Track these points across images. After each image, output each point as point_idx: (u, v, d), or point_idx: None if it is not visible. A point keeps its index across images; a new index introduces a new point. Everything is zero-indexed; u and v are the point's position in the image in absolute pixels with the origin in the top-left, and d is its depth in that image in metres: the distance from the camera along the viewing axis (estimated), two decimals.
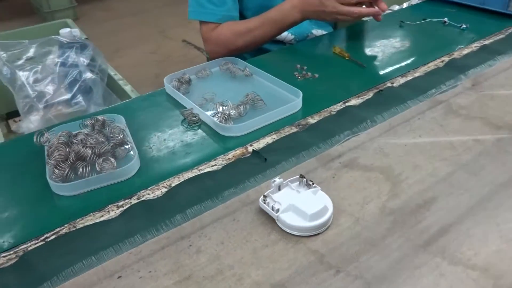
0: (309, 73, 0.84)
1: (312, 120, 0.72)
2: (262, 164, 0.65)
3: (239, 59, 0.89)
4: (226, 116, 0.70)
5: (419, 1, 1.27)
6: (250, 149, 0.66)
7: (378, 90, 0.81)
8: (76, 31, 1.39)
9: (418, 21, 1.07)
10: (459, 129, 0.73)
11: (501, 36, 1.00)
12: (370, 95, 0.80)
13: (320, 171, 0.65)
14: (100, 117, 0.68)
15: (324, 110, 0.75)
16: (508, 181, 0.61)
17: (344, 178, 0.64)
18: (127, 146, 0.65)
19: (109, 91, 1.11)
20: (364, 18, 1.06)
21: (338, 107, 0.77)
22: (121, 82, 1.18)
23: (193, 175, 0.61)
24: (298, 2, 0.93)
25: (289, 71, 0.87)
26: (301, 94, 0.75)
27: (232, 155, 0.65)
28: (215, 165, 0.63)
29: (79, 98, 1.02)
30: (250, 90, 0.79)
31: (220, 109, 0.71)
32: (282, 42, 1.10)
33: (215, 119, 0.69)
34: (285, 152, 0.68)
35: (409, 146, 0.70)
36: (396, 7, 1.78)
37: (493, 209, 0.57)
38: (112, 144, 0.62)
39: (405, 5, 1.33)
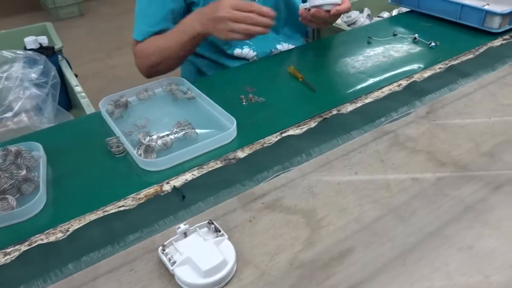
0: (256, 97, 0.79)
1: (241, 154, 0.68)
2: (178, 204, 0.62)
3: (184, 80, 0.85)
4: (149, 148, 0.67)
5: (397, 13, 1.21)
6: (166, 187, 0.62)
7: (323, 118, 0.76)
8: (43, 39, 1.36)
9: (387, 37, 1.01)
10: (400, 165, 0.68)
11: (470, 56, 0.93)
12: (313, 123, 0.75)
13: (239, 213, 0.61)
14: (13, 148, 0.65)
15: (258, 141, 0.70)
16: (436, 229, 0.56)
17: (262, 222, 0.59)
18: (32, 182, 0.62)
19: (61, 109, 1.08)
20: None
21: (274, 138, 0.72)
22: (79, 96, 1.15)
23: (96, 217, 0.58)
24: (196, 11, 0.89)
25: (236, 94, 0.82)
26: (234, 122, 0.71)
27: (144, 194, 0.61)
28: (123, 206, 0.59)
29: (22, 116, 1.00)
30: (190, 114, 0.75)
31: (144, 140, 0.68)
32: (245, 59, 1.06)
33: (135, 151, 0.66)
34: (206, 190, 0.64)
35: (342, 185, 0.65)
36: (386, 14, 1.72)
37: (411, 263, 0.52)
38: (12, 181, 0.59)
39: (386, 14, 1.28)
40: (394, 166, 0.68)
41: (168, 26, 0.98)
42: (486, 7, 1.10)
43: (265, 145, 0.69)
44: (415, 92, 0.84)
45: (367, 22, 1.57)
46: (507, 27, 0.98)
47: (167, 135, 0.69)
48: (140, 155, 0.65)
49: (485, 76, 0.90)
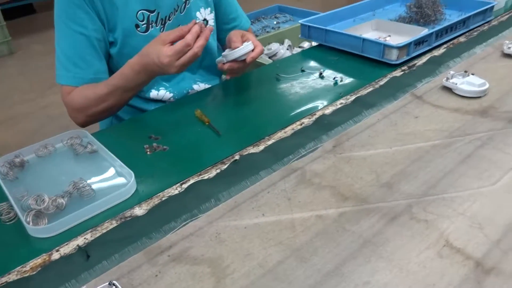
0: (160, 146, 0.79)
1: (139, 211, 0.65)
2: (82, 265, 0.59)
3: (86, 132, 0.82)
4: (40, 213, 0.63)
5: (308, 47, 1.26)
6: (55, 255, 0.58)
7: (233, 159, 0.77)
8: None
9: (295, 73, 1.05)
10: (305, 203, 0.70)
11: (371, 89, 0.97)
12: (223, 166, 0.76)
13: (144, 269, 0.60)
14: None
15: (157, 195, 0.68)
16: (334, 268, 0.58)
17: (168, 276, 0.59)
18: None
19: None
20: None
21: (179, 187, 0.70)
22: None
23: None
24: (138, 65, 0.88)
25: (141, 144, 0.81)
26: (133, 176, 0.69)
27: (30, 266, 0.57)
28: (6, 281, 0.56)
29: None
30: (90, 170, 0.73)
31: (35, 204, 0.64)
32: (161, 101, 1.06)
33: (24, 218, 0.62)
34: (111, 246, 0.62)
35: (249, 229, 0.66)
36: (306, 44, 1.79)
37: None
38: None
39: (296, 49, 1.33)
40: (300, 204, 0.70)
41: (101, 67, 0.96)
42: (385, 40, 1.19)
43: (172, 194, 0.68)
44: (323, 126, 0.88)
45: (288, 53, 1.63)
46: (405, 58, 1.06)
47: (62, 196, 0.66)
48: (28, 222, 0.61)
49: (387, 106, 0.96)
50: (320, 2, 4.72)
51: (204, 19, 1.08)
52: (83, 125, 0.98)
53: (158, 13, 0.97)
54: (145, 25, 0.96)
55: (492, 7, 1.30)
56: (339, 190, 0.73)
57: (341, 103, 0.92)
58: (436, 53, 1.13)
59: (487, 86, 0.98)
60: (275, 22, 1.97)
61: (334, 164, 0.79)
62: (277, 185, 0.74)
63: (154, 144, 0.79)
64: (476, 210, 0.66)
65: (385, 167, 0.78)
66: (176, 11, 1.01)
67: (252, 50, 0.92)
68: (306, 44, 1.71)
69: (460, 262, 0.57)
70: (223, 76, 1.05)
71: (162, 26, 0.99)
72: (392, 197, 0.70)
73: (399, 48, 1.02)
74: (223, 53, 0.94)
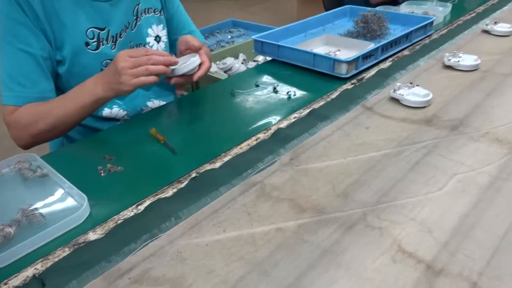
0: (114, 167, 0.77)
1: (93, 236, 0.62)
2: None
3: (35, 156, 0.78)
4: None
5: (263, 61, 1.29)
6: None
7: (191, 177, 0.77)
8: None
9: (250, 88, 1.07)
10: (265, 217, 0.71)
11: (324, 102, 1.00)
12: (180, 185, 0.75)
13: None
14: None
15: (114, 217, 0.66)
16: (295, 280, 0.59)
17: None
18: None
19: None
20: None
21: (134, 209, 0.69)
22: None
23: None
24: (95, 76, 0.88)
25: (94, 165, 0.79)
26: (85, 201, 0.67)
27: None
28: None
29: None
30: (40, 195, 0.69)
31: None
32: (115, 119, 1.04)
33: None
34: (68, 272, 0.60)
35: (210, 246, 0.66)
36: (261, 58, 1.82)
37: None
38: None
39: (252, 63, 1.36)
40: (260, 218, 0.71)
41: (48, 85, 0.93)
42: (335, 55, 1.24)
43: (119, 221, 0.66)
44: (279, 139, 0.90)
45: (243, 67, 1.65)
46: (354, 71, 1.10)
47: (9, 225, 0.63)
48: None
49: (340, 118, 1.00)
50: (272, 17, 4.83)
51: (157, 36, 1.08)
52: (28, 146, 0.94)
53: (109, 31, 0.96)
54: (95, 43, 0.94)
55: (432, 22, 1.39)
56: (298, 202, 0.74)
57: (295, 116, 0.94)
58: (383, 66, 1.19)
59: (430, 96, 1.04)
60: (229, 37, 2.00)
61: (292, 176, 0.81)
62: (237, 200, 0.75)
63: (108, 165, 0.77)
64: (425, 215, 0.70)
65: (341, 177, 0.81)
66: (127, 28, 1.00)
67: (200, 65, 0.93)
68: (260, 58, 1.75)
69: (412, 266, 0.61)
70: (178, 93, 1.05)
71: (113, 43, 0.97)
72: (348, 207, 0.73)
73: (348, 62, 1.07)
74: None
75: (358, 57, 1.10)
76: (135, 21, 1.01)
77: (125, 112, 1.04)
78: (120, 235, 0.64)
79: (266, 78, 1.14)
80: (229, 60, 1.64)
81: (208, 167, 0.79)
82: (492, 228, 0.67)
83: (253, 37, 1.26)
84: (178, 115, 1.03)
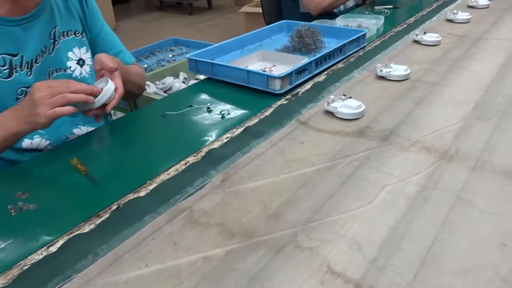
0: (27, 204, 0.71)
1: None
2: None
3: None
4: None
5: (203, 78, 1.26)
6: None
7: (112, 209, 0.72)
8: None
9: (183, 109, 1.04)
10: (192, 245, 0.67)
11: (258, 119, 0.99)
12: (97, 220, 0.70)
13: None
14: None
15: (20, 262, 0.60)
16: None
17: None
18: None
19: None
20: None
21: (45, 251, 0.63)
22: None
23: None
24: (9, 109, 0.82)
25: (4, 204, 0.71)
26: None
27: None
28: None
29: None
30: None
31: None
32: (38, 150, 0.97)
33: None
34: None
35: (130, 283, 0.61)
36: (202, 76, 1.79)
37: None
38: None
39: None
40: (186, 248, 0.67)
41: None
42: (270, 71, 1.23)
43: (25, 267, 0.59)
44: (211, 160, 0.87)
45: (184, 86, 1.62)
46: (288, 87, 1.10)
47: None
48: None
49: (275, 134, 0.99)
50: (221, 33, 4.84)
51: (80, 59, 1.02)
52: None
53: (22, 56, 0.90)
54: (7, 70, 0.88)
55: (365, 34, 1.42)
56: (227, 227, 0.71)
57: (228, 136, 0.92)
58: (318, 79, 1.20)
59: (363, 108, 1.05)
60: (170, 55, 1.96)
61: (223, 199, 0.78)
62: (162, 230, 0.71)
63: (20, 203, 0.71)
64: (356, 231, 0.69)
65: (273, 197, 0.78)
66: (44, 52, 0.94)
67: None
68: (202, 76, 1.72)
69: (340, 286, 0.59)
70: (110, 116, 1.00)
71: (29, 70, 0.91)
72: (278, 228, 0.71)
73: (281, 78, 1.06)
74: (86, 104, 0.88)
75: (291, 72, 1.10)
76: (52, 45, 0.96)
77: (48, 142, 0.97)
78: (27, 282, 0.58)
79: (200, 98, 1.11)
80: (169, 80, 1.60)
81: (131, 196, 0.74)
82: (419, 239, 0.66)
83: (187, 56, 1.23)
84: (104, 141, 0.97)
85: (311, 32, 1.36)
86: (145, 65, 1.88)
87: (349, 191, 0.79)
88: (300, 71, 1.14)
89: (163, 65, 1.85)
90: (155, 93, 1.57)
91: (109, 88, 0.85)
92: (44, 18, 0.94)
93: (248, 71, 1.10)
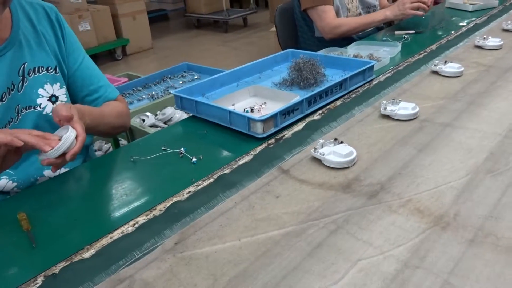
0: None
1: None
2: None
3: None
4: None
5: (187, 116, 1.19)
6: None
7: (49, 274, 0.66)
8: None
9: (156, 153, 0.96)
10: None
11: (231, 168, 0.89)
12: (36, 285, 0.64)
13: None
14: None
15: None
16: None
17: None
18: None
19: None
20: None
21: None
22: None
23: None
24: None
25: None
26: None
27: None
28: None
29: None
30: None
31: None
32: (3, 192, 0.93)
33: None
34: None
35: None
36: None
37: None
38: None
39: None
40: None
41: None
42: (261, 107, 1.14)
43: None
44: (170, 216, 0.78)
45: (185, 116, 1.56)
46: (273, 129, 1.00)
47: None
48: None
49: (249, 185, 0.89)
50: (255, 51, 4.81)
51: (52, 96, 0.98)
52: None
53: None
54: None
55: (372, 66, 1.29)
56: None
57: (195, 188, 0.83)
58: (313, 118, 1.09)
59: (354, 155, 0.93)
60: (180, 82, 1.92)
61: (171, 267, 0.69)
62: None
63: None
64: None
65: (227, 268, 0.68)
66: (12, 90, 0.91)
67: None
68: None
69: None
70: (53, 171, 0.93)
71: None
72: None
73: (263, 121, 0.97)
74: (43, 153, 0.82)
75: (276, 114, 1.00)
76: (21, 82, 0.92)
77: (15, 184, 0.93)
78: None
79: (178, 140, 1.04)
80: (169, 110, 1.54)
81: (74, 258, 0.67)
82: None
83: (173, 92, 1.17)
84: (62, 191, 0.90)
85: (311, 65, 1.26)
86: (153, 92, 1.84)
87: (314, 265, 0.67)
88: (288, 111, 1.04)
89: (169, 93, 1.81)
90: (154, 125, 1.52)
91: (68, 137, 0.80)
92: (12, 55, 0.91)
93: (230, 112, 1.01)
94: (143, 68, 4.39)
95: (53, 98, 0.98)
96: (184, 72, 2.03)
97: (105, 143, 1.67)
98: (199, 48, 5.31)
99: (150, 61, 4.87)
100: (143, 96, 1.81)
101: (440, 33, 1.77)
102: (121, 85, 1.98)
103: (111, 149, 1.63)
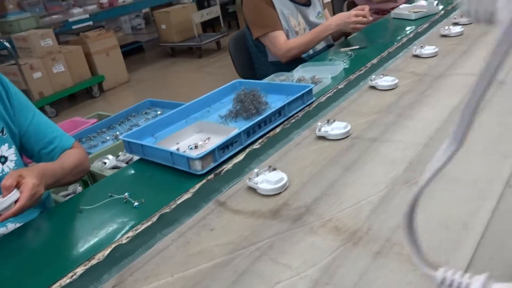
0: None
1: None
2: None
3: None
4: None
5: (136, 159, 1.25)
6: None
7: None
8: None
9: (102, 200, 1.03)
10: None
11: (169, 209, 0.95)
12: None
13: None
14: None
15: None
16: None
17: None
18: None
19: None
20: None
21: None
22: None
23: None
24: None
25: None
26: None
27: None
28: None
29: None
30: None
31: None
32: None
33: None
34: None
35: None
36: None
37: None
38: None
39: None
40: None
41: None
42: (205, 143, 1.21)
43: None
44: (111, 261, 0.85)
45: None
46: (212, 165, 1.07)
47: None
48: None
49: (187, 222, 0.95)
50: (228, 73, 4.91)
51: (2, 157, 1.05)
52: None
53: None
54: None
55: (311, 89, 1.37)
56: None
57: (133, 232, 0.90)
58: (252, 148, 1.16)
59: (284, 181, 1.00)
60: (143, 120, 1.99)
61: None
62: None
63: None
64: None
65: None
66: None
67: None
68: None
69: None
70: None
71: None
72: None
73: (201, 158, 1.04)
74: None
75: (213, 150, 1.07)
76: None
77: None
78: None
79: (124, 185, 1.10)
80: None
81: None
82: None
83: (121, 137, 1.24)
84: (10, 246, 0.96)
85: (252, 95, 1.34)
86: (117, 132, 1.91)
87: None
88: (227, 145, 1.11)
89: None
90: (116, 166, 1.59)
91: (6, 200, 0.87)
92: None
93: (171, 153, 1.09)
94: (121, 103, 4.47)
95: (2, 159, 1.05)
96: (148, 108, 2.11)
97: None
98: (175, 76, 5.41)
99: (127, 95, 4.96)
100: (107, 138, 1.88)
101: (382, 45, 1.86)
102: (89, 127, 2.05)
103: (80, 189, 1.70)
